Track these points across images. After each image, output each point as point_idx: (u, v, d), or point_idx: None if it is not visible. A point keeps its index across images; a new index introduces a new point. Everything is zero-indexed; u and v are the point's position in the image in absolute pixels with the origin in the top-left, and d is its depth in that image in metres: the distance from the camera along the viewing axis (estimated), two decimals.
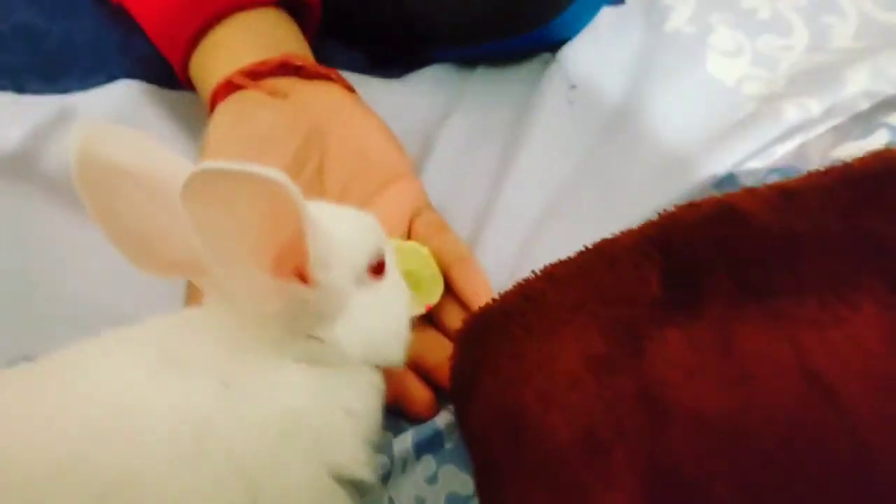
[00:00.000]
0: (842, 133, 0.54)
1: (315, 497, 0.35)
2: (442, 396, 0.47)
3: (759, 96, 0.57)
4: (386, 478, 0.45)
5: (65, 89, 0.68)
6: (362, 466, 0.37)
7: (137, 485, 0.31)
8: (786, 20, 0.61)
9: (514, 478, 0.34)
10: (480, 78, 0.65)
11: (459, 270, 0.49)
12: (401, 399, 0.46)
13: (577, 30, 0.64)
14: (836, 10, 0.60)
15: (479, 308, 0.39)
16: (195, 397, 0.33)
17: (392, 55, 0.66)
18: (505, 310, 0.37)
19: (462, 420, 0.40)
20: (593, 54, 0.62)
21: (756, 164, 0.54)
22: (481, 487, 0.38)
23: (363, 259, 0.38)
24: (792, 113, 0.54)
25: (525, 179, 0.56)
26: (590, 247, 0.37)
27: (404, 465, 0.45)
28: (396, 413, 0.47)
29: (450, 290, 0.49)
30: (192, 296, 0.48)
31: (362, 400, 0.38)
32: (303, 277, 0.34)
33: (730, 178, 0.53)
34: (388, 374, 0.41)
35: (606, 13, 0.64)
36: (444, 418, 0.46)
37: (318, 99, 0.53)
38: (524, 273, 0.50)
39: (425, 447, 0.46)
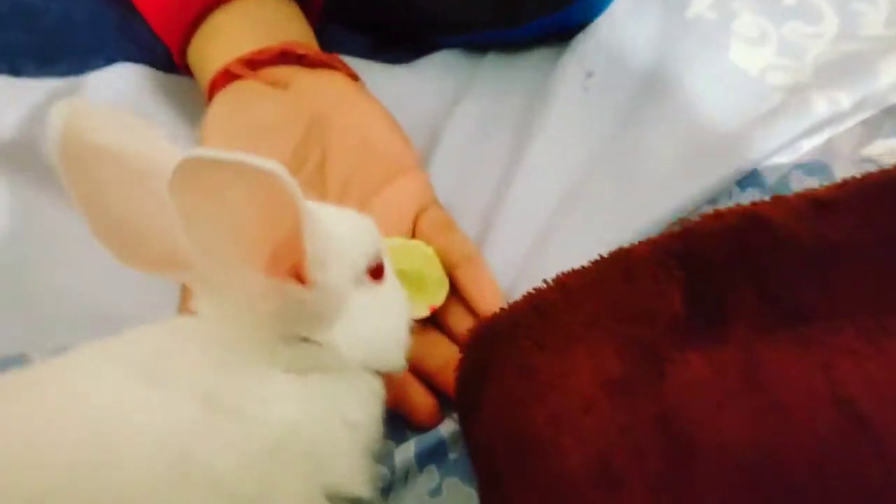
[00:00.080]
0: (872, 128, 0.51)
1: None
2: (446, 403, 0.45)
3: (785, 87, 0.54)
4: (387, 490, 0.43)
5: (62, 72, 0.66)
6: (360, 483, 0.35)
7: None
8: (814, 6, 0.58)
9: (521, 501, 0.32)
10: (491, 64, 0.63)
11: (465, 271, 0.46)
12: (402, 406, 0.44)
13: (594, 15, 0.61)
14: None
15: (487, 316, 0.37)
16: (176, 417, 0.31)
17: (399, 40, 0.64)
18: (514, 320, 0.34)
19: (467, 433, 0.38)
20: (610, 41, 0.60)
21: (781, 158, 0.52)
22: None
23: (362, 260, 0.36)
24: (820, 105, 0.51)
25: (537, 173, 0.54)
26: (605, 256, 0.34)
27: (406, 476, 0.43)
28: (398, 419, 0.45)
29: (456, 292, 0.47)
30: (186, 300, 0.46)
31: (361, 408, 0.36)
32: (299, 277, 0.31)
33: (753, 175, 0.51)
34: (389, 380, 0.39)
35: None
36: (448, 427, 0.44)
37: (320, 89, 0.51)
38: (535, 273, 0.47)
39: (428, 457, 0.43)
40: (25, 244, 0.55)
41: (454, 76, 0.62)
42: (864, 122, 0.52)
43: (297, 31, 0.54)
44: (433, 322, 0.47)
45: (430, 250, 0.47)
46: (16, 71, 0.67)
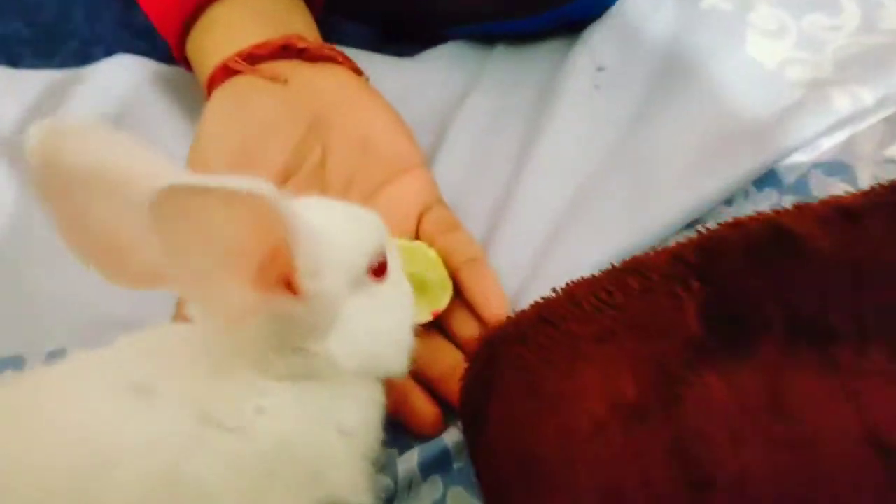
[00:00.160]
0: (895, 125, 0.49)
1: None
2: (450, 410, 0.43)
3: (805, 82, 0.53)
4: (390, 501, 0.42)
5: (61, 64, 0.65)
6: (360, 493, 0.34)
7: None
8: None
9: None
10: (500, 57, 0.61)
11: (469, 273, 0.45)
12: (404, 414, 0.43)
13: (606, 6, 0.59)
14: None
15: (492, 327, 0.35)
16: (167, 429, 0.30)
17: (405, 31, 0.63)
18: (520, 333, 0.33)
19: (472, 448, 0.37)
20: (622, 34, 0.58)
21: (800, 157, 0.50)
22: None
23: (361, 260, 0.35)
24: (841, 101, 0.50)
25: (547, 170, 0.52)
26: (618, 265, 0.32)
27: (409, 486, 0.42)
28: (401, 427, 0.43)
29: (460, 295, 0.45)
30: (182, 305, 0.45)
31: (359, 417, 0.35)
32: (290, 286, 0.30)
33: (771, 174, 0.50)
34: (391, 386, 0.38)
35: None
36: (452, 435, 0.43)
37: (322, 84, 0.49)
38: (544, 275, 0.47)
39: (432, 467, 0.42)
40: (23, 245, 0.54)
41: (461, 69, 0.61)
42: (887, 120, 0.50)
43: (298, 23, 0.53)
44: (437, 327, 0.45)
45: (433, 252, 0.45)
46: (13, 62, 0.67)
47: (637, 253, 0.46)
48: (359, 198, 0.47)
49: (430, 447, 0.42)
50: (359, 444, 0.35)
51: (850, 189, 0.47)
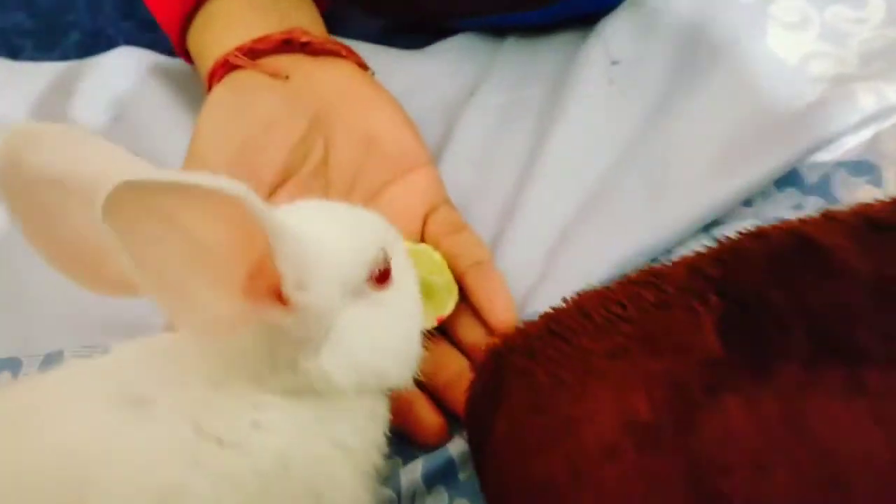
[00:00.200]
0: None
1: None
2: (455, 419, 0.42)
3: (828, 77, 0.51)
4: None
5: (62, 56, 0.65)
6: None
7: None
8: None
9: None
10: (511, 50, 0.60)
11: (476, 277, 0.43)
12: (408, 424, 0.41)
13: None
14: None
15: (499, 338, 0.34)
16: (161, 447, 0.29)
17: (413, 23, 0.62)
18: (528, 346, 0.31)
19: (478, 465, 0.35)
20: (637, 26, 0.57)
21: (823, 156, 0.48)
22: None
23: (358, 269, 0.33)
24: (866, 99, 0.48)
25: (559, 169, 0.51)
26: (632, 277, 0.31)
27: (413, 497, 0.41)
28: (405, 436, 0.42)
29: (466, 300, 0.44)
30: None
31: (360, 433, 0.34)
32: (280, 297, 0.28)
33: (792, 173, 0.48)
34: (394, 394, 0.36)
35: None
36: (457, 445, 0.41)
37: (325, 79, 0.48)
38: (555, 279, 0.46)
39: (437, 478, 0.41)
40: (20, 245, 0.53)
41: (470, 63, 0.60)
42: None
43: (302, 16, 0.52)
44: (442, 332, 0.44)
45: (438, 255, 0.44)
46: (14, 54, 0.66)
47: (652, 256, 0.46)
48: (362, 197, 0.46)
49: (435, 457, 0.41)
50: (360, 460, 0.33)
51: (876, 190, 0.46)
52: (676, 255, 0.45)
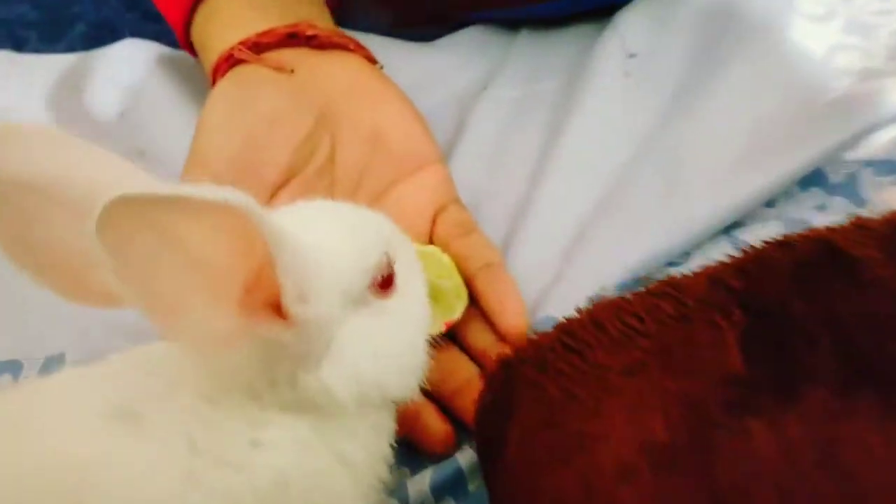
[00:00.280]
0: None
1: None
2: (464, 428, 0.40)
3: (854, 71, 0.49)
4: None
5: (67, 48, 0.64)
6: None
7: None
8: None
9: None
10: (524, 43, 0.59)
11: (485, 280, 0.42)
12: (415, 433, 0.40)
13: None
14: None
15: (511, 349, 0.32)
16: (155, 464, 0.28)
17: (423, 15, 0.60)
18: (541, 358, 0.30)
19: (487, 480, 0.34)
20: (655, 18, 0.55)
21: (849, 154, 0.46)
22: None
23: (361, 277, 0.32)
24: (895, 93, 0.46)
25: (573, 166, 0.50)
26: (650, 288, 0.29)
27: None
28: (412, 446, 0.41)
29: (475, 304, 0.42)
30: None
31: (364, 447, 0.32)
32: (278, 310, 0.27)
33: (817, 172, 0.46)
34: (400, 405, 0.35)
35: None
36: (466, 455, 0.40)
37: (331, 74, 0.47)
38: (569, 282, 0.44)
39: (446, 489, 0.40)
40: None
41: (483, 56, 0.59)
42: None
43: (308, 9, 0.50)
44: (451, 338, 0.42)
45: (447, 258, 0.43)
46: (19, 45, 0.66)
47: (669, 258, 0.44)
48: (368, 197, 0.45)
49: (444, 468, 0.40)
50: (364, 475, 0.32)
51: None
52: (694, 258, 0.45)
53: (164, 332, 0.27)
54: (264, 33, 0.47)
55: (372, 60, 0.50)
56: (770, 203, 0.46)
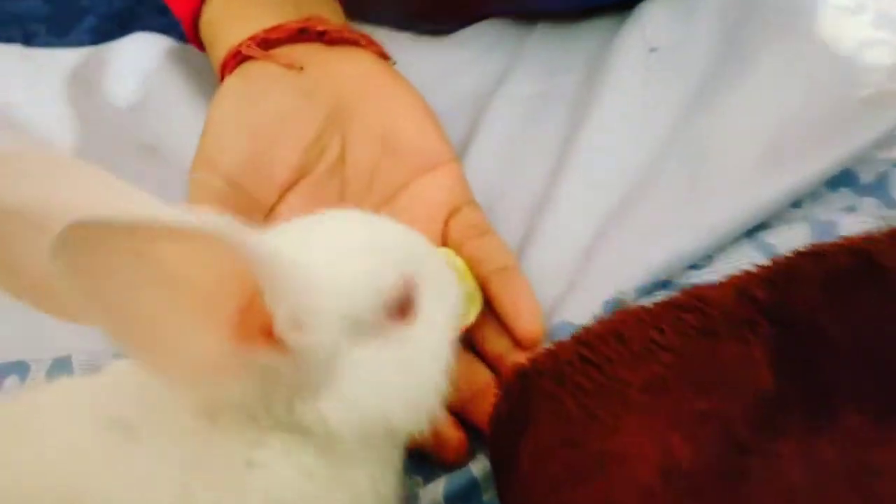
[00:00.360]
0: None
1: None
2: (479, 436, 0.39)
3: (885, 67, 0.48)
4: None
5: (76, 41, 0.64)
6: None
7: None
8: None
9: None
10: (542, 37, 0.58)
11: (500, 283, 0.41)
12: (426, 441, 0.39)
13: None
14: None
15: (527, 360, 0.31)
16: (148, 479, 0.27)
17: (438, 8, 0.59)
18: (558, 371, 0.28)
19: (500, 488, 0.33)
20: (677, 11, 0.54)
21: (880, 154, 0.45)
22: None
23: (370, 300, 0.29)
24: None
25: (591, 165, 0.48)
26: (673, 297, 0.28)
27: None
28: (425, 455, 0.40)
29: (490, 308, 0.41)
30: None
31: (369, 476, 0.31)
32: (273, 338, 0.26)
33: (846, 173, 0.45)
34: None
35: None
36: (480, 465, 0.39)
37: (342, 70, 0.46)
38: (587, 286, 0.43)
39: (459, 499, 0.39)
40: None
41: (498, 51, 0.58)
42: None
43: (319, 3, 0.50)
44: (464, 343, 0.41)
45: (460, 261, 0.42)
46: (28, 39, 0.65)
47: (691, 262, 0.43)
48: (380, 198, 0.44)
49: (457, 477, 0.39)
50: (367, 501, 0.31)
51: None
52: (718, 261, 0.43)
53: (139, 359, 0.25)
54: (273, 29, 0.46)
55: (384, 56, 0.49)
56: (797, 204, 0.44)
